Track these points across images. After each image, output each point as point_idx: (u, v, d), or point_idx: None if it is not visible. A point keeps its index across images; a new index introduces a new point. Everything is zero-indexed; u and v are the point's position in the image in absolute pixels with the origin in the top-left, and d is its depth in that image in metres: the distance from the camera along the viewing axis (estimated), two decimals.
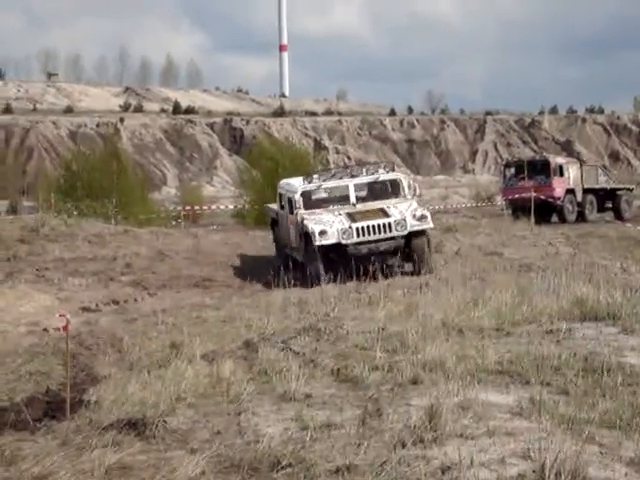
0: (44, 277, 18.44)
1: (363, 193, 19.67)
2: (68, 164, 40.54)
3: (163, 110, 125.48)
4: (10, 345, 12.29)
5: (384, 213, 18.55)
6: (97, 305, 15.80)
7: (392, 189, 19.52)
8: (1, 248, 22.16)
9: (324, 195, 19.77)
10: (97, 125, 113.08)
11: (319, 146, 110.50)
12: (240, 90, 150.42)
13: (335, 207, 19.12)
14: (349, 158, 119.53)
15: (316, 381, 8.91)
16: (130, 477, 6.02)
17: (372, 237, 18.23)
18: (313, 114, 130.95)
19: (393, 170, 20.10)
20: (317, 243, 18.25)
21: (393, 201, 19.10)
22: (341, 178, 19.58)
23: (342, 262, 17.83)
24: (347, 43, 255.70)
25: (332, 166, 58.29)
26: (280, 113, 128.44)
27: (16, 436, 7.33)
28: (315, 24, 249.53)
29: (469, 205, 53.13)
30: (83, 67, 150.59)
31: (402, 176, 20.23)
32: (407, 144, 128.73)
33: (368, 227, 18.23)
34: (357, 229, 18.22)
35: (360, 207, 18.98)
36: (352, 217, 18.51)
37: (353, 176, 19.60)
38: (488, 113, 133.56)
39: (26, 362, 10.97)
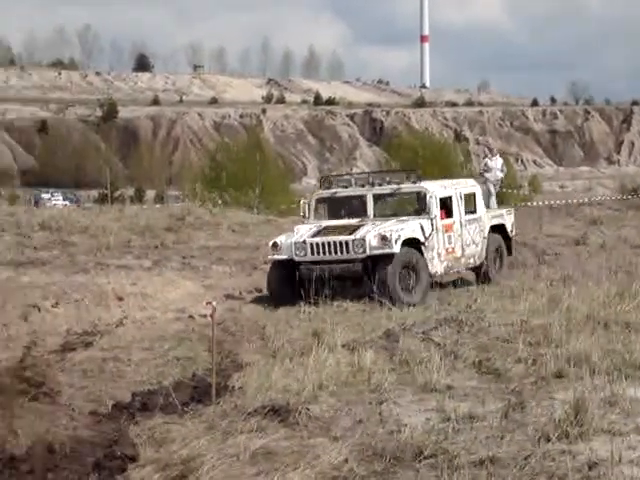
0: (190, 265, 18.84)
1: (385, 206, 16.54)
2: (213, 155, 41.32)
3: (304, 101, 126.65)
4: (158, 331, 12.65)
5: (353, 230, 15.13)
6: (240, 293, 16.07)
7: (417, 203, 16.11)
8: (149, 236, 22.82)
9: (340, 204, 16.49)
10: (240, 116, 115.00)
11: (459, 137, 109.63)
12: (380, 81, 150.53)
13: (349, 220, 15.84)
14: (490, 150, 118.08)
15: (457, 373, 8.87)
16: (274, 462, 6.11)
17: (327, 257, 14.90)
18: (454, 105, 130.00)
19: (419, 180, 16.27)
20: (269, 257, 15.78)
21: (411, 219, 15.64)
22: (362, 186, 16.35)
23: (297, 283, 14.86)
24: (488, 33, 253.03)
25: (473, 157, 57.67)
26: (420, 104, 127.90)
27: (165, 419, 7.54)
28: (456, 14, 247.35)
29: (614, 197, 51.79)
30: (227, 59, 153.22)
31: (432, 187, 16.05)
32: (549, 135, 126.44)
33: (324, 244, 14.89)
34: (312, 245, 14.96)
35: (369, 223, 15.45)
36: (321, 231, 15.35)
37: (372, 184, 16.29)
38: (635, 103, 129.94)
39: (173, 347, 11.29)
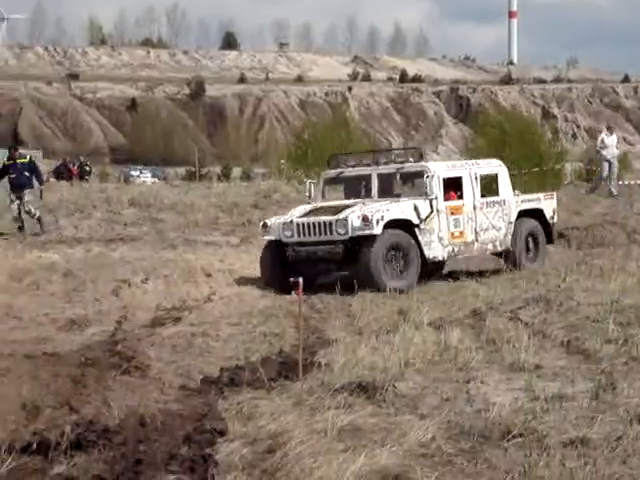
0: None
1: (390, 185, 15.54)
2: (299, 132, 41.42)
3: (390, 79, 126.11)
4: (246, 307, 12.79)
5: (340, 210, 14.45)
6: None
7: (418, 183, 15.33)
8: (237, 213, 23.04)
9: (347, 184, 16.12)
10: (326, 94, 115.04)
11: (547, 114, 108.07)
12: (467, 58, 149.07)
13: (345, 201, 15.36)
14: (578, 127, 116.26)
15: (546, 352, 8.77)
16: (362, 439, 6.12)
17: (312, 238, 14.27)
18: (541, 82, 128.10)
19: (421, 158, 15.58)
20: (261, 237, 15.27)
21: (406, 199, 14.89)
22: (368, 165, 15.65)
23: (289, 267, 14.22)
24: (577, 8, 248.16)
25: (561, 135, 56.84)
26: (507, 81, 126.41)
27: (253, 394, 7.61)
28: None
29: None
30: (313, 37, 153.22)
31: (434, 167, 15.23)
32: None
33: (309, 224, 14.26)
34: (298, 225, 14.37)
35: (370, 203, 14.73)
36: (312, 211, 14.82)
37: (377, 163, 15.60)
38: None
39: (260, 323, 11.40)
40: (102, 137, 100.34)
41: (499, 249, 15.83)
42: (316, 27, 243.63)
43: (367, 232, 13.74)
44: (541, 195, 17.21)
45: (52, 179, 43.21)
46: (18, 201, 19.40)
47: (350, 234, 13.86)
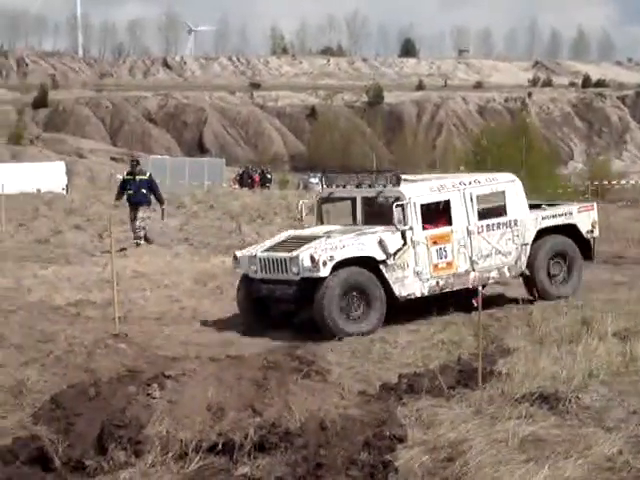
0: None
1: (374, 211, 13.51)
2: (477, 139, 41.15)
3: (572, 84, 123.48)
4: (424, 314, 12.74)
5: (300, 245, 12.72)
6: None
7: (391, 211, 12.81)
8: None
9: (336, 207, 14.20)
10: (505, 100, 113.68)
11: None
12: None
13: (342, 228, 13.42)
14: None
15: None
16: (544, 450, 6.02)
17: (272, 275, 12.66)
18: None
19: (398, 183, 13.12)
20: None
21: (380, 230, 12.80)
22: (357, 186, 13.62)
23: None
24: None
25: None
26: None
27: (432, 401, 7.60)
28: None
29: None
30: (493, 43, 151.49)
31: (410, 192, 12.96)
32: None
33: (269, 260, 12.67)
34: (261, 260, 12.77)
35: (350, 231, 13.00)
36: (280, 243, 13.18)
37: (361, 185, 13.55)
38: None
39: (439, 331, 11.36)
40: (282, 145, 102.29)
41: (508, 276, 13.77)
42: (496, 31, 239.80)
43: (315, 274, 12.08)
44: (574, 207, 14.62)
45: (235, 186, 44.35)
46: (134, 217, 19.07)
47: (302, 274, 12.23)
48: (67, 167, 51.27)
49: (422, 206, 12.94)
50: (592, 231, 14.42)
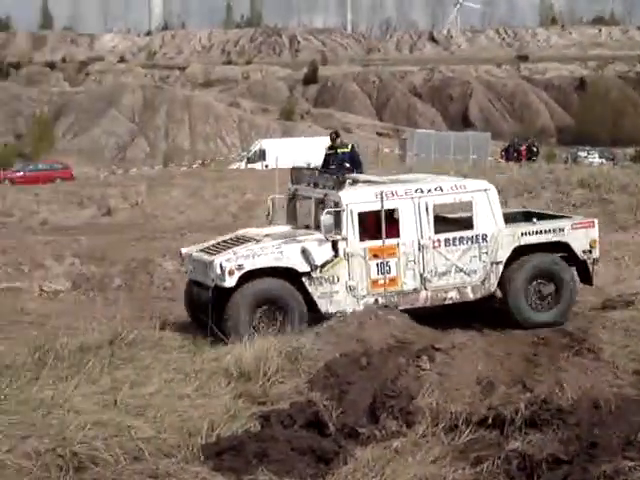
0: None
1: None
2: None
3: None
4: None
5: (226, 249, 11.91)
6: None
7: (322, 220, 11.67)
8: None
9: (299, 206, 13.00)
10: None
11: None
12: None
13: (286, 231, 12.55)
14: None
15: None
16: None
17: (199, 277, 11.97)
18: None
19: (339, 187, 11.95)
20: None
21: (309, 238, 11.76)
22: (314, 186, 12.59)
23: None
24: None
25: None
26: None
27: None
28: None
29: None
30: None
31: (349, 198, 11.73)
32: None
33: (197, 261, 11.98)
34: (193, 260, 12.12)
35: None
36: (219, 243, 12.27)
37: (315, 185, 12.44)
38: None
39: None
40: (549, 118, 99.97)
41: (472, 297, 12.08)
42: None
43: (221, 284, 11.29)
44: (567, 223, 12.60)
45: (501, 160, 43.94)
46: None
47: (215, 282, 11.43)
48: None
49: (361, 214, 11.73)
50: (590, 251, 12.40)
